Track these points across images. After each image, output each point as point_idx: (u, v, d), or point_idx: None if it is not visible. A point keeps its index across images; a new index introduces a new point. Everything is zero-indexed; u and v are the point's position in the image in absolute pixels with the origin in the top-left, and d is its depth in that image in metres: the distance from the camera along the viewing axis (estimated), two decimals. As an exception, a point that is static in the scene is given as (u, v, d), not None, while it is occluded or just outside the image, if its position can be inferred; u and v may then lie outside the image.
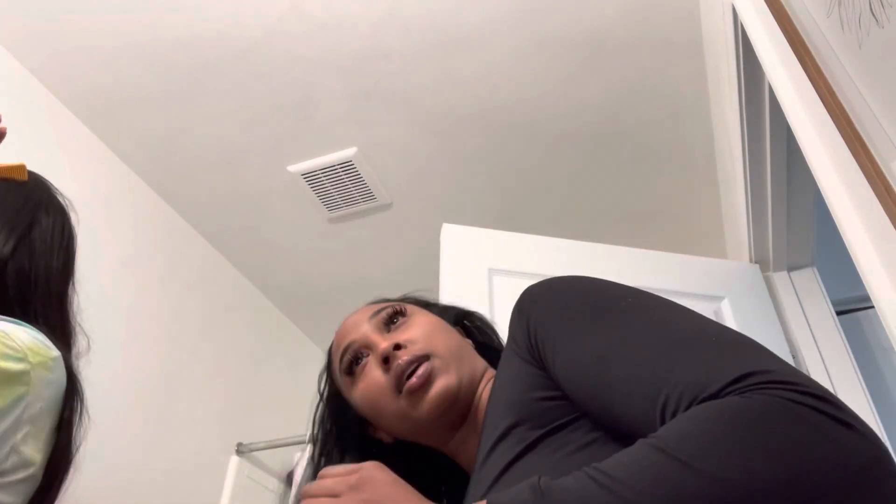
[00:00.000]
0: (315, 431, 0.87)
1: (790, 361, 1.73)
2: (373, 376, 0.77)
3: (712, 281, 1.88)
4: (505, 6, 1.88)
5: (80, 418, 0.92)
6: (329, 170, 2.33)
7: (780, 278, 1.93)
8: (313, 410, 0.88)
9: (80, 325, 1.01)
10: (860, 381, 1.69)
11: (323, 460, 0.84)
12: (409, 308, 0.84)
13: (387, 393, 0.76)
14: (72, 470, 0.91)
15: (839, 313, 1.89)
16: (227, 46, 1.95)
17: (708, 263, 1.98)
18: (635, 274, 1.83)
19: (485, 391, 0.77)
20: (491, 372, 0.81)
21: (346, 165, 2.31)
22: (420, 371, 0.73)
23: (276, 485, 2.66)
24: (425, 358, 0.75)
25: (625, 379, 0.55)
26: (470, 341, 0.86)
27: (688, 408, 0.49)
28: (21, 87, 1.96)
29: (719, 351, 0.52)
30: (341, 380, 0.83)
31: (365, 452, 0.83)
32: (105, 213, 2.15)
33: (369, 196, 2.45)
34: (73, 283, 1.02)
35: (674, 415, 0.50)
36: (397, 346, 0.76)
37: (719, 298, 1.83)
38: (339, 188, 2.41)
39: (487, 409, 0.71)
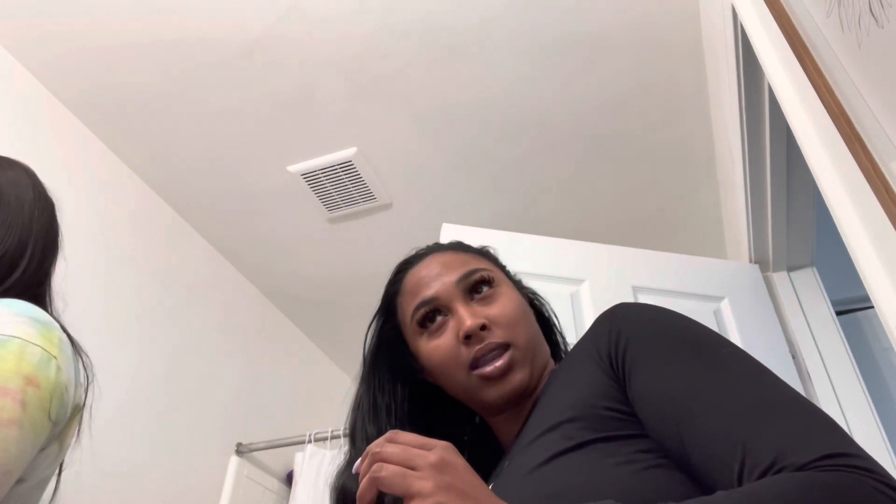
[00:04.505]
0: (367, 348, 0.87)
1: (790, 361, 1.73)
2: (449, 343, 0.77)
3: (712, 281, 1.88)
4: (505, 6, 1.88)
5: (90, 391, 0.90)
6: (329, 170, 2.33)
7: (780, 278, 1.93)
8: (368, 326, 0.88)
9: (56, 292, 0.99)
10: (860, 381, 1.69)
11: (374, 380, 0.85)
12: (496, 276, 0.82)
13: (461, 365, 0.76)
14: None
15: (839, 313, 1.89)
16: (227, 46, 1.95)
17: (708, 263, 1.98)
18: (635, 274, 1.83)
19: (542, 380, 0.78)
20: (552, 363, 0.82)
21: (346, 165, 2.31)
22: (500, 363, 0.74)
23: (276, 485, 2.66)
24: (506, 347, 0.75)
25: (713, 419, 0.55)
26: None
27: (769, 468, 0.50)
28: (22, 87, 1.96)
29: (813, 423, 0.53)
30: (410, 327, 0.82)
31: (411, 383, 0.85)
32: (105, 212, 2.15)
33: (369, 196, 2.45)
34: (59, 250, 0.99)
35: (753, 471, 0.50)
36: (483, 327, 0.75)
37: (719, 298, 1.83)
38: (339, 188, 2.41)
39: (545, 397, 0.72)
